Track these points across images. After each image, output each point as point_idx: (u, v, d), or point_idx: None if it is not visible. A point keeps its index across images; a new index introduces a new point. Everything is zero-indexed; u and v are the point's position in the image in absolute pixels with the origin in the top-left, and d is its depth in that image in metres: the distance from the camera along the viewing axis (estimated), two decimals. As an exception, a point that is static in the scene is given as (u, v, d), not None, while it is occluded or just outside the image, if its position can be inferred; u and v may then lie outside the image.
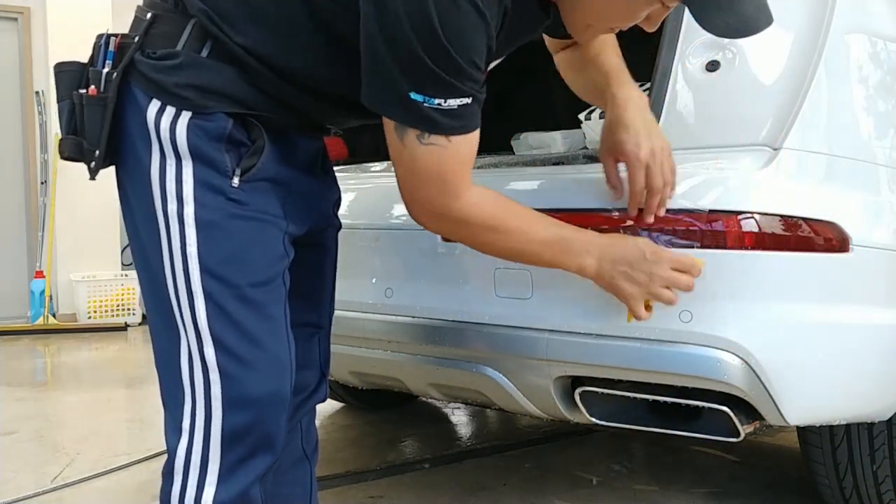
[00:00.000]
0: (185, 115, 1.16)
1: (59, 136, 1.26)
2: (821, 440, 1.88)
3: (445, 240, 1.65)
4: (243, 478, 1.19)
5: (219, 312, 1.17)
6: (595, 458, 2.67)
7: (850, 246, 1.45)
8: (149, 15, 1.20)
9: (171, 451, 1.20)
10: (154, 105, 1.17)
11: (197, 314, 1.17)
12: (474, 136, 1.19)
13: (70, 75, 1.23)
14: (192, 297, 1.17)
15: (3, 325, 5.64)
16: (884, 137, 1.61)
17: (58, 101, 1.25)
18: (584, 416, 1.61)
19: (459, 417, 3.24)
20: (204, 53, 1.18)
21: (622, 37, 2.37)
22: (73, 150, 1.22)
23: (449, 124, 1.14)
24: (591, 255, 1.32)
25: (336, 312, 1.82)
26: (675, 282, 1.34)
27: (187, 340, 1.18)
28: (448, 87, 1.12)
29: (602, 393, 1.56)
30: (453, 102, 1.12)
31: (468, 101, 1.14)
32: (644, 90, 2.05)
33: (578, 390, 1.58)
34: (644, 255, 1.32)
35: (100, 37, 1.22)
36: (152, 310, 1.24)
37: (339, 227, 1.46)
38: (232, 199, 1.18)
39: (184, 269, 1.17)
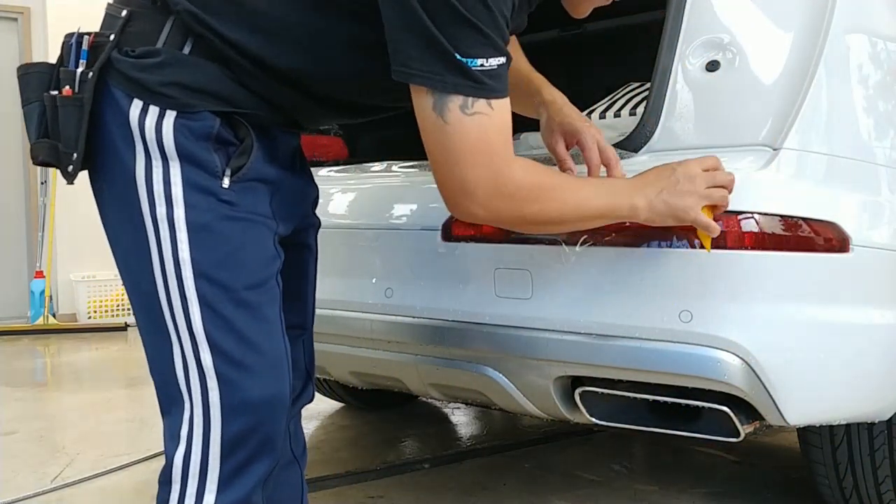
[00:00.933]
0: (171, 115, 1.12)
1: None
2: (821, 440, 1.88)
3: (446, 240, 1.65)
4: (244, 484, 1.17)
5: (214, 317, 1.14)
6: (595, 458, 2.67)
7: (851, 246, 1.45)
8: (124, 12, 1.16)
9: (169, 459, 1.18)
10: (136, 105, 1.13)
11: (192, 319, 1.14)
12: (508, 101, 1.16)
13: (38, 77, 1.18)
14: (187, 303, 1.14)
15: (3, 325, 5.64)
16: (884, 137, 1.61)
17: (24, 105, 1.20)
18: (584, 416, 1.61)
19: (459, 417, 3.24)
20: (185, 51, 1.15)
21: (621, 37, 2.38)
22: (47, 154, 1.17)
23: (493, 86, 1.10)
24: (637, 194, 1.29)
25: (336, 312, 1.82)
26: (713, 179, 1.32)
27: (181, 347, 1.16)
28: (488, 44, 1.08)
29: (602, 393, 1.56)
30: (494, 62, 1.09)
31: (504, 59, 1.11)
32: (644, 90, 2.06)
33: (578, 390, 1.58)
34: (674, 170, 1.31)
35: (69, 35, 1.17)
36: (141, 316, 1.20)
37: (319, 225, 1.45)
38: (222, 200, 1.15)
39: (176, 274, 1.14)
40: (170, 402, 1.19)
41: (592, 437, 2.88)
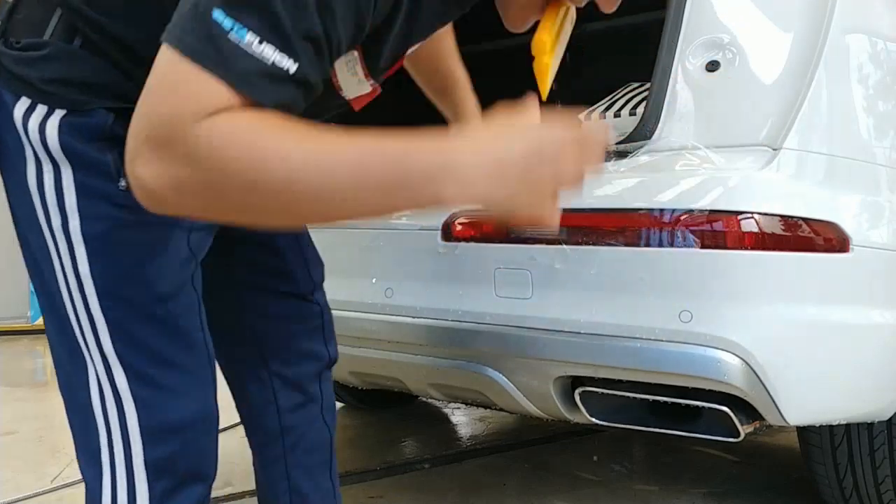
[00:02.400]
0: (58, 114, 0.98)
1: None
2: (821, 440, 1.88)
3: (447, 240, 1.66)
4: None
5: (124, 336, 1.04)
6: (595, 458, 2.67)
7: (850, 246, 1.45)
8: None
9: (93, 490, 1.09)
10: (22, 104, 0.99)
11: (101, 339, 1.04)
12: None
13: None
14: (93, 321, 1.03)
15: (3, 325, 5.64)
16: (884, 137, 1.61)
17: None
18: (584, 416, 1.61)
19: (459, 418, 3.24)
20: (76, 43, 0.99)
21: (621, 37, 2.36)
22: None
23: (244, 73, 0.76)
24: (452, 172, 0.79)
25: (336, 312, 1.82)
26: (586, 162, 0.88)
27: (94, 367, 1.06)
28: (275, 22, 0.75)
29: (602, 393, 1.56)
30: (271, 54, 0.76)
31: (293, 66, 0.77)
32: (644, 90, 2.05)
33: (578, 390, 1.58)
34: (540, 152, 0.83)
35: None
36: (52, 332, 1.08)
37: None
38: (121, 204, 1.00)
39: (80, 291, 1.03)
40: (83, 425, 1.12)
41: (592, 437, 2.88)
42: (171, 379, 1.07)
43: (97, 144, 1.00)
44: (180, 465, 1.09)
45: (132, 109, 0.88)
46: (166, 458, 1.08)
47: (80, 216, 1.01)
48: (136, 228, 1.03)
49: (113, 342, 1.04)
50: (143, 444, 1.06)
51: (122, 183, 0.99)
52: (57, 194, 1.01)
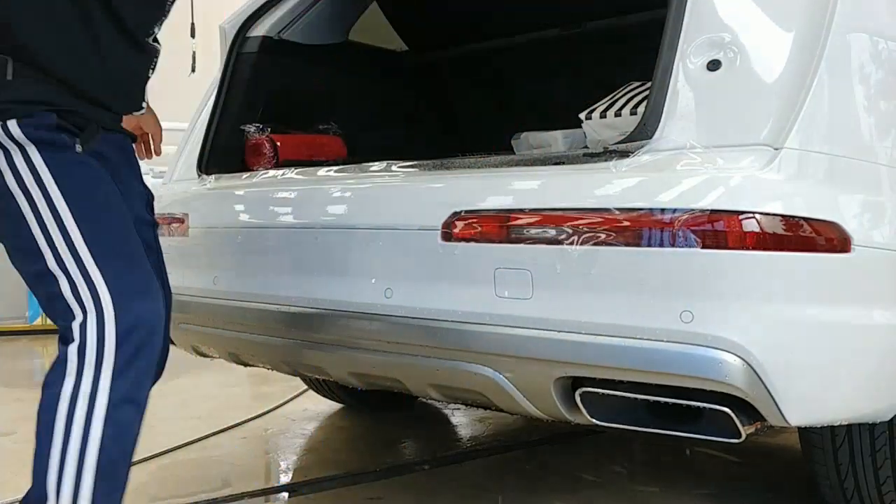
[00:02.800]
0: (12, 121, 1.35)
1: None
2: (822, 441, 1.88)
3: (446, 240, 1.65)
4: (135, 373, 1.31)
5: (96, 239, 1.34)
6: (595, 459, 2.66)
7: (852, 246, 1.45)
8: None
9: (62, 357, 1.32)
10: None
11: (78, 250, 1.33)
12: None
13: None
14: (69, 237, 1.33)
15: (3, 326, 5.63)
16: (885, 137, 1.61)
17: None
18: (585, 417, 1.61)
19: (459, 418, 3.24)
20: (23, 74, 1.37)
21: (621, 36, 2.36)
22: None
23: None
24: None
25: (335, 312, 1.81)
26: None
27: (68, 275, 1.34)
28: None
29: (602, 393, 1.55)
30: None
31: None
32: (645, 89, 2.05)
33: (578, 391, 1.58)
34: None
35: None
36: (26, 267, 1.40)
37: (156, 224, 1.68)
38: (79, 155, 1.39)
39: (55, 219, 1.33)
40: (62, 313, 1.36)
41: (593, 437, 2.88)
42: (139, 275, 1.40)
43: (49, 131, 1.38)
44: (140, 330, 1.35)
45: (69, 111, 1.41)
46: (132, 323, 1.34)
47: (48, 167, 1.36)
48: (92, 167, 1.43)
49: (88, 245, 1.34)
50: (115, 312, 1.33)
51: (78, 148, 1.41)
52: (27, 164, 1.36)
